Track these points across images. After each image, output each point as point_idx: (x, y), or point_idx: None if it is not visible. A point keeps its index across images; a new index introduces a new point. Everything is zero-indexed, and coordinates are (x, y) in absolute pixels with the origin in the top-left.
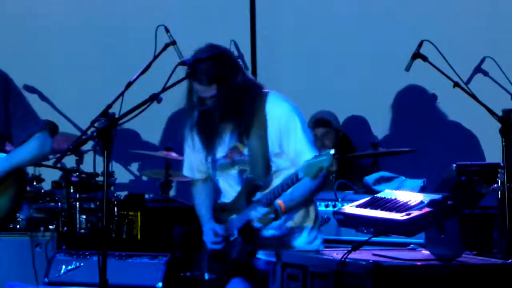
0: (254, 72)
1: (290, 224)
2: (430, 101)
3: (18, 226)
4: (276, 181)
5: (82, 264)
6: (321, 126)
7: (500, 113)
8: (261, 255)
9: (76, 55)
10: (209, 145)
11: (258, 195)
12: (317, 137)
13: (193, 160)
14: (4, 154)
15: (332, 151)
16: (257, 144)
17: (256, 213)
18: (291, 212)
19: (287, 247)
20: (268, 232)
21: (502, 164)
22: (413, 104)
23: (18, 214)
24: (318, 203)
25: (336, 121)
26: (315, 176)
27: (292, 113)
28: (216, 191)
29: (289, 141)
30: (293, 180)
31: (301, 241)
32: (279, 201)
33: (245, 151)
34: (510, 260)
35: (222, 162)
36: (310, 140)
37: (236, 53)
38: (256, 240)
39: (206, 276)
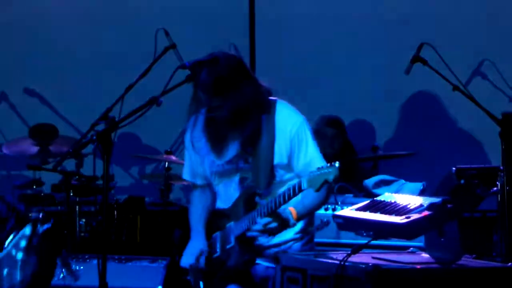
0: None
1: (291, 232)
2: (429, 103)
3: None
4: (278, 190)
5: (81, 267)
6: (334, 127)
7: (499, 116)
8: (259, 260)
9: (76, 58)
10: (215, 149)
11: (258, 203)
12: (326, 137)
13: (194, 164)
14: None
15: (338, 164)
16: (262, 153)
17: (258, 225)
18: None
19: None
20: (267, 239)
21: (501, 168)
22: (413, 107)
23: None
24: None
25: (344, 126)
26: (319, 189)
27: (303, 125)
28: (213, 199)
29: (300, 154)
30: (295, 190)
31: (297, 248)
32: (290, 208)
33: (250, 159)
34: (510, 264)
35: (226, 167)
36: (319, 152)
37: None
38: (254, 248)
39: (201, 285)
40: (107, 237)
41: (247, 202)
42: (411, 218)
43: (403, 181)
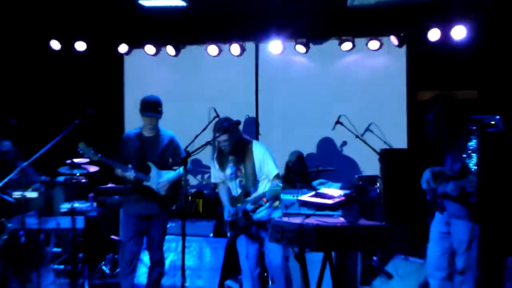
0: (257, 130)
1: (268, 207)
2: (345, 143)
3: None
4: (260, 189)
5: (173, 224)
6: (300, 160)
7: (379, 151)
8: (253, 226)
9: (170, 117)
10: (222, 167)
11: (250, 197)
12: (296, 164)
13: (215, 173)
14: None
15: (281, 185)
16: (250, 168)
17: (250, 206)
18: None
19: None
20: (256, 215)
21: (379, 176)
22: (335, 145)
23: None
24: (287, 195)
25: (305, 158)
26: (275, 198)
27: (266, 151)
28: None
29: (265, 166)
30: (265, 195)
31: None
32: (264, 199)
33: (243, 171)
34: (383, 223)
35: (231, 176)
36: (275, 164)
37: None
38: (250, 219)
39: (228, 233)
40: (185, 210)
41: (245, 195)
42: (335, 201)
43: (331, 182)
